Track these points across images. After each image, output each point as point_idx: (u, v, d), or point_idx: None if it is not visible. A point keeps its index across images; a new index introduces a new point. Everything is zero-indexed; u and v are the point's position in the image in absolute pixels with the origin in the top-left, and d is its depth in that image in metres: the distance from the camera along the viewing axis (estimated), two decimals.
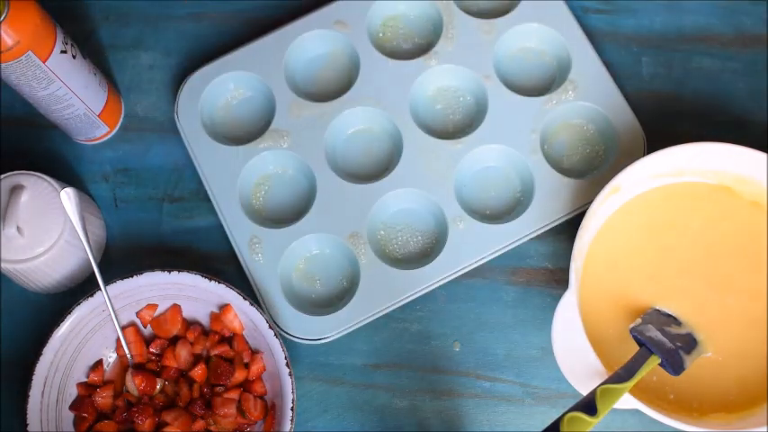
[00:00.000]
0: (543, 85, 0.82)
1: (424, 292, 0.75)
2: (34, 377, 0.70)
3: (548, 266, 0.78)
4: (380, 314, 0.75)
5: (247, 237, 0.77)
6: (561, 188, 0.77)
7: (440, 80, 0.82)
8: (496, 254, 0.76)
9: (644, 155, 0.78)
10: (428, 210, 0.78)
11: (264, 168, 0.80)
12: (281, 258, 0.76)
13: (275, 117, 0.80)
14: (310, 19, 0.82)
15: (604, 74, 0.80)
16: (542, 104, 0.79)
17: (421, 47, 0.83)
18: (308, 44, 0.82)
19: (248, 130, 0.81)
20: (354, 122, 0.81)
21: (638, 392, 0.67)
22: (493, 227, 0.76)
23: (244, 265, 0.76)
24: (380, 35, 0.84)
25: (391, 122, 0.80)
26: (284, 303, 0.75)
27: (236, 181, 0.78)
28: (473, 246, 0.76)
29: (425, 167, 0.78)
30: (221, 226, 0.79)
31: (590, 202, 0.71)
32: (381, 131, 0.81)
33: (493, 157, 0.79)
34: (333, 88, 0.82)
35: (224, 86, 0.82)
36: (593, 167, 0.79)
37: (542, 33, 0.82)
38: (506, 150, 0.78)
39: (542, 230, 0.76)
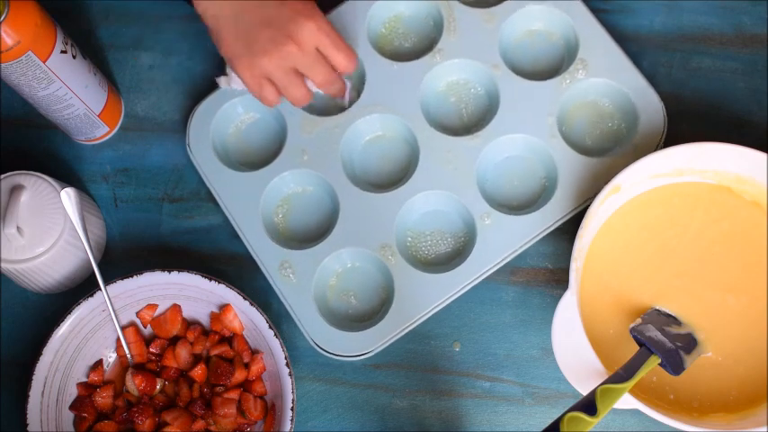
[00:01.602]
0: (553, 67, 0.81)
1: (460, 293, 0.75)
2: (34, 377, 0.70)
3: (548, 266, 0.78)
4: (420, 321, 0.74)
5: (277, 262, 0.76)
6: (586, 168, 0.76)
7: (448, 76, 0.81)
8: (528, 245, 0.75)
9: (664, 124, 0.77)
10: (454, 209, 0.78)
11: (285, 189, 0.79)
12: (314, 277, 0.75)
13: (288, 136, 0.79)
14: None
15: (613, 46, 0.79)
16: (555, 87, 0.79)
17: (424, 44, 0.83)
18: None
19: (262, 154, 0.80)
20: (368, 131, 0.80)
21: (638, 392, 0.67)
22: (521, 218, 0.76)
23: (277, 290, 0.75)
24: (382, 38, 0.83)
25: (405, 126, 0.79)
26: (322, 322, 0.74)
27: (257, 206, 0.77)
28: (504, 239, 0.75)
29: (445, 166, 0.77)
30: (221, 226, 0.79)
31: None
32: (396, 136, 0.80)
33: (512, 147, 0.78)
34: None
35: (233, 111, 0.81)
36: (616, 142, 0.78)
37: (545, 14, 0.81)
38: (525, 138, 0.78)
39: (572, 215, 0.75)
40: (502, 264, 0.75)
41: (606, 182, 0.71)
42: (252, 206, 0.77)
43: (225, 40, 0.71)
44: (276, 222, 0.79)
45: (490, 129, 0.78)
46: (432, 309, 0.74)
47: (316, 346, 0.74)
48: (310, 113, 0.79)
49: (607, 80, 0.79)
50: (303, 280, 0.75)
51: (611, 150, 0.78)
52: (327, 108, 0.81)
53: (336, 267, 0.77)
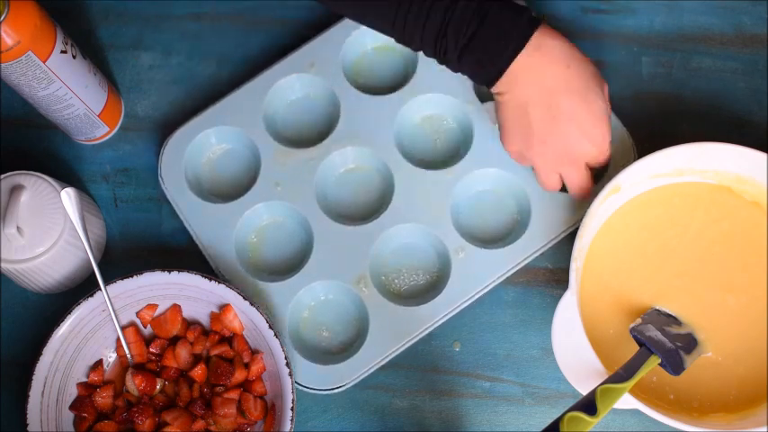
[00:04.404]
0: None
1: (434, 326, 0.75)
2: (34, 377, 0.70)
3: (548, 266, 0.78)
4: (394, 354, 0.74)
5: (252, 296, 0.75)
6: (557, 203, 0.77)
7: (422, 110, 0.81)
8: (502, 278, 0.75)
9: (634, 157, 0.77)
10: (428, 242, 0.77)
11: (258, 221, 0.79)
12: (288, 310, 0.75)
13: (262, 167, 0.78)
14: (284, 64, 0.80)
15: None
16: None
17: (399, 78, 0.82)
18: (286, 89, 0.81)
19: (235, 184, 0.80)
20: (342, 163, 0.80)
21: (638, 392, 0.67)
22: (494, 252, 0.76)
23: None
24: (357, 71, 0.83)
25: (379, 159, 0.79)
26: (295, 355, 0.74)
27: (231, 238, 0.77)
28: (477, 274, 0.75)
29: (419, 200, 0.77)
30: None
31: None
32: (370, 169, 0.80)
33: (486, 181, 0.79)
34: (316, 132, 0.81)
35: (206, 142, 0.80)
36: None
37: None
38: (498, 173, 0.78)
39: (544, 249, 0.76)
40: (476, 297, 0.75)
41: (578, 216, 0.72)
42: (225, 238, 0.77)
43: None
44: (250, 255, 0.78)
45: (464, 162, 0.78)
46: (406, 342, 0.74)
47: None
48: (285, 145, 0.79)
49: None
50: (277, 311, 0.75)
51: None
52: (301, 139, 0.81)
53: (309, 300, 0.77)
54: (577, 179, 0.72)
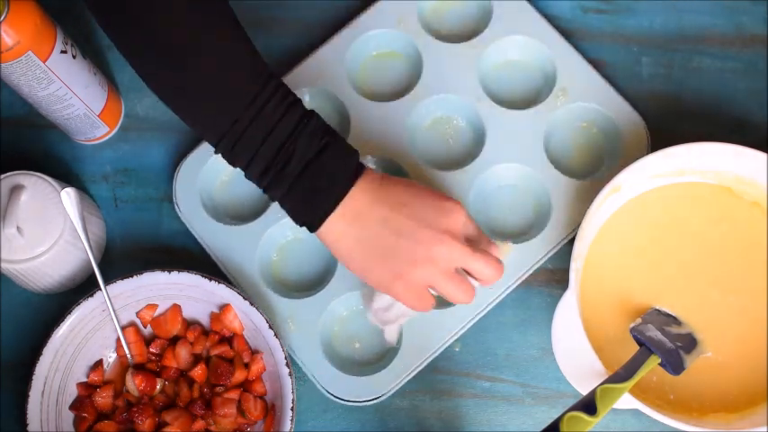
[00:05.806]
0: (531, 95, 0.82)
1: (464, 330, 0.74)
2: (34, 377, 0.70)
3: (548, 266, 0.78)
4: (429, 360, 0.74)
5: (280, 314, 0.75)
6: (577, 192, 0.76)
7: (432, 112, 0.81)
8: (530, 271, 0.75)
9: (647, 141, 0.77)
10: None
11: (281, 238, 0.78)
12: (318, 325, 0.75)
13: None
14: (290, 78, 0.80)
15: (590, 70, 0.80)
16: (537, 114, 0.79)
17: (404, 83, 0.82)
18: None
19: (252, 205, 0.79)
20: None
21: (638, 392, 0.67)
22: (519, 246, 0.75)
23: (282, 341, 0.73)
24: (362, 79, 0.82)
25: (395, 164, 0.78)
26: (332, 369, 0.74)
27: (254, 259, 0.76)
28: (505, 270, 0.74)
29: None
30: None
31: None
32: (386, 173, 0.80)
33: (502, 177, 0.78)
34: None
35: (218, 164, 0.78)
36: (603, 162, 0.79)
37: (521, 44, 0.81)
38: (514, 167, 0.78)
39: (568, 239, 0.76)
40: (504, 295, 0.75)
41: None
42: (248, 259, 0.76)
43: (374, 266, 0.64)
44: (275, 273, 0.78)
45: (479, 160, 0.78)
46: (441, 346, 0.74)
47: (328, 394, 0.73)
48: None
49: (588, 104, 0.79)
50: (308, 328, 0.74)
51: (598, 171, 0.78)
52: None
53: (340, 312, 0.76)
54: (452, 286, 0.64)
